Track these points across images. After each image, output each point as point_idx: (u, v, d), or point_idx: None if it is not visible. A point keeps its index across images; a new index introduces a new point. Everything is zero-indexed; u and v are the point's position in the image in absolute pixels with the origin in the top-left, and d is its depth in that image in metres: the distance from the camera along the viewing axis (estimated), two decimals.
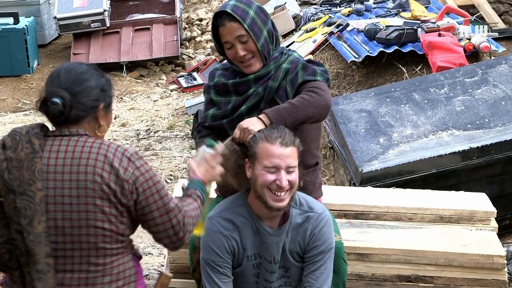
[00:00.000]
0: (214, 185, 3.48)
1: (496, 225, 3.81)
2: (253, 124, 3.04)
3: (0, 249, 2.53)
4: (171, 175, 6.74)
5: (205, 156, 2.91)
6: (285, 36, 9.95)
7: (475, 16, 7.93)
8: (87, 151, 2.53)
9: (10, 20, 9.69)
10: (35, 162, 2.49)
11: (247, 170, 3.07)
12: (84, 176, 2.50)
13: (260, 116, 3.07)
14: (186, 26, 11.71)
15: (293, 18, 10.15)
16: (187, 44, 11.33)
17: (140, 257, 2.78)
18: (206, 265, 3.13)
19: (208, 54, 10.74)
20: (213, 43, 3.36)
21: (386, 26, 7.62)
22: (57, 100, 2.52)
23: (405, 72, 7.08)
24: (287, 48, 3.45)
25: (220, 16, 3.23)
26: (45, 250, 2.48)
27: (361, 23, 8.15)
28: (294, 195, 3.08)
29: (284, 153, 2.97)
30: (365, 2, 9.02)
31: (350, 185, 4.95)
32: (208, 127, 3.41)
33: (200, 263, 3.18)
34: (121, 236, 2.57)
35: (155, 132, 8.02)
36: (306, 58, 3.39)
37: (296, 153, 3.02)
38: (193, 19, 11.86)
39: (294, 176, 3.01)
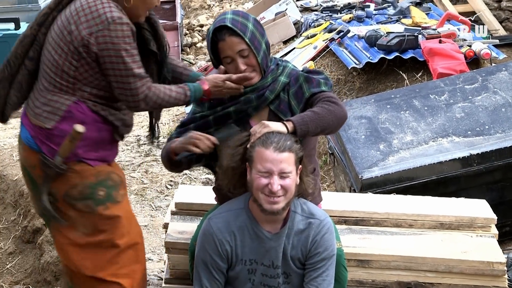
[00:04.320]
0: (213, 194, 3.49)
1: (497, 232, 3.81)
2: (274, 124, 3.04)
3: None
4: (171, 180, 6.73)
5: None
6: (286, 42, 9.96)
7: (474, 16, 7.96)
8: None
9: (11, 25, 9.68)
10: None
11: (248, 174, 3.08)
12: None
13: (285, 121, 3.07)
14: (187, 32, 11.74)
15: (294, 24, 10.16)
16: (188, 50, 11.35)
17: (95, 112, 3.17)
18: (198, 262, 3.17)
19: (209, 60, 10.75)
20: None
21: (387, 33, 7.64)
22: None
23: (406, 78, 7.09)
24: (280, 59, 3.41)
25: (220, 31, 3.17)
26: None
27: (362, 30, 8.16)
28: (292, 200, 3.08)
29: (277, 158, 2.97)
30: (366, 9, 9.05)
31: (350, 192, 4.95)
32: (193, 129, 3.31)
33: (195, 258, 3.20)
34: (65, 74, 3.11)
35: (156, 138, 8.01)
36: (303, 69, 3.37)
37: (293, 159, 3.01)
38: (194, 25, 11.89)
39: (289, 182, 3.00)
